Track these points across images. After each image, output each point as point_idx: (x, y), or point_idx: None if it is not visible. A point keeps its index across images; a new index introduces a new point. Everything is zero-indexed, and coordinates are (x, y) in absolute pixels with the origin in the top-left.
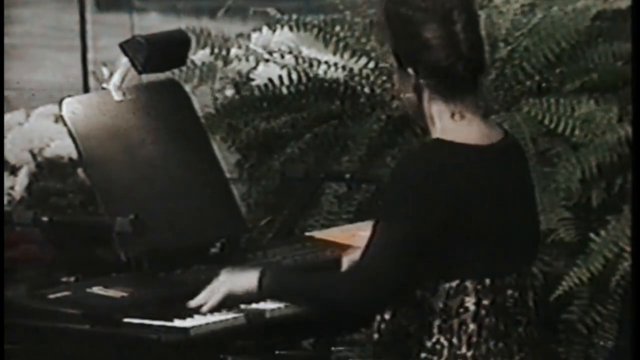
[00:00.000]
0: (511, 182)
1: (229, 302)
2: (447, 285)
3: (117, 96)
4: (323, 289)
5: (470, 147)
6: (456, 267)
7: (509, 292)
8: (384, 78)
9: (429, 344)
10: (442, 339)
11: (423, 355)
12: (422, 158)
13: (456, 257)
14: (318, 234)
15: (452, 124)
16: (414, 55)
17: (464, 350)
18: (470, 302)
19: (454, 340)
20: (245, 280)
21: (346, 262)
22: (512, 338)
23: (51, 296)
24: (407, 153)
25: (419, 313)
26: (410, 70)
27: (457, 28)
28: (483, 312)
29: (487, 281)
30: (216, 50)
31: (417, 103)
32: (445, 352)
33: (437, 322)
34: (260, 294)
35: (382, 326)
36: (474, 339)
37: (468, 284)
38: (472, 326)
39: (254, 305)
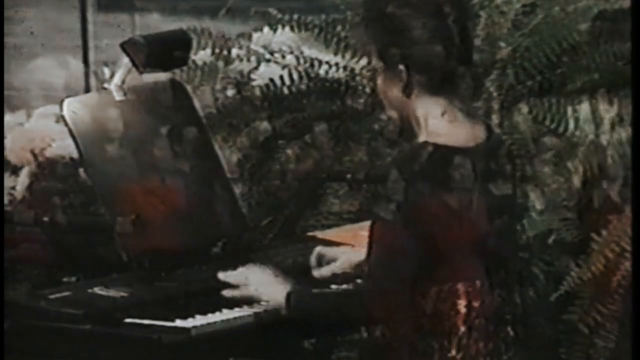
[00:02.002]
0: (496, 183)
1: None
2: (438, 289)
3: (118, 96)
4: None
5: (457, 150)
6: (449, 271)
7: (497, 291)
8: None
9: (419, 347)
10: (433, 342)
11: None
12: (411, 161)
13: (448, 261)
14: (320, 234)
15: (438, 125)
16: (405, 52)
17: (453, 352)
18: (461, 305)
19: (445, 343)
20: (274, 293)
21: (345, 261)
22: (500, 337)
23: (52, 296)
24: (397, 156)
25: (410, 317)
26: (401, 67)
27: (449, 21)
28: (473, 313)
29: (478, 283)
30: (217, 51)
31: (404, 103)
32: (436, 355)
33: (428, 326)
34: (287, 314)
35: (374, 330)
36: (464, 341)
37: (460, 286)
38: (462, 328)
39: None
